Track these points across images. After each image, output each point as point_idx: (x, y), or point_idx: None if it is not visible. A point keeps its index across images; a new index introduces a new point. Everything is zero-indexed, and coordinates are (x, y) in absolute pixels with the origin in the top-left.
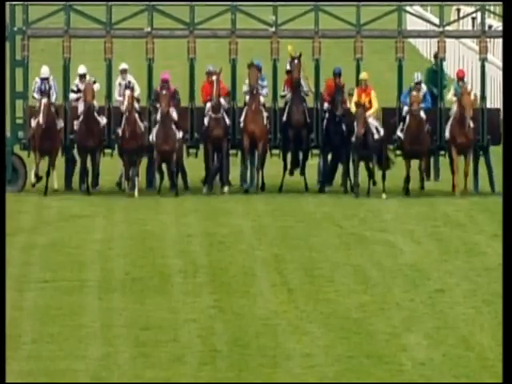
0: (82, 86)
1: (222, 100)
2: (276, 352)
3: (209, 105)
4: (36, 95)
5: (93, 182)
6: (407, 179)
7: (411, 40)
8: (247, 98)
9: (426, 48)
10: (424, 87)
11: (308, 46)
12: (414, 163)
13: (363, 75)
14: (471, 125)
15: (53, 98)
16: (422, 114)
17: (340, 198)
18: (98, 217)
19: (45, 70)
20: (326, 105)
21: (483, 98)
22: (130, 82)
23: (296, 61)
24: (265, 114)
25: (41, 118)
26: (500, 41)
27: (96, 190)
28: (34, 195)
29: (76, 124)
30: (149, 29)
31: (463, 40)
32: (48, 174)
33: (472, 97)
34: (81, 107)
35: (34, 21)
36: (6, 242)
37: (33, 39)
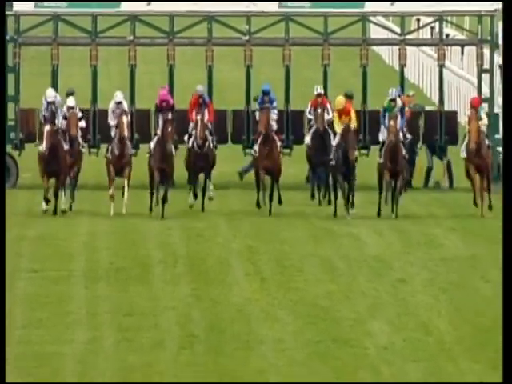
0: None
1: (207, 133)
2: (250, 337)
3: (192, 138)
4: (41, 118)
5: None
6: (382, 200)
7: (374, 47)
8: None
9: (388, 55)
10: (399, 102)
11: (279, 53)
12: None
13: (339, 103)
14: (486, 148)
15: (58, 122)
16: (400, 143)
17: (307, 193)
18: (84, 212)
19: (50, 94)
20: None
21: (441, 101)
22: (124, 111)
23: (319, 110)
24: (278, 144)
25: (44, 145)
26: (456, 48)
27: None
28: (24, 192)
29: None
30: (131, 37)
31: (422, 48)
32: (56, 195)
33: (481, 123)
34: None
35: (25, 30)
36: (5, 235)
37: (24, 47)
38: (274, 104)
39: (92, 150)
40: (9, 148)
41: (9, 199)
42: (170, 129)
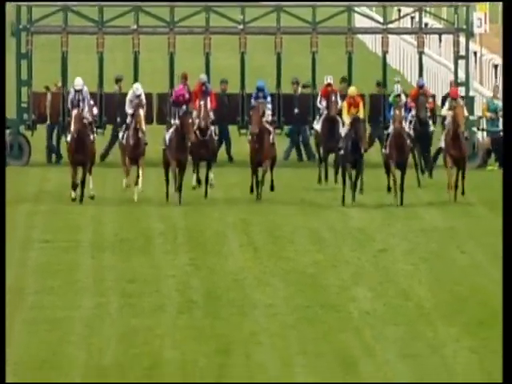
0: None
1: (209, 122)
2: (244, 302)
3: (195, 126)
4: (69, 106)
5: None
6: (389, 189)
7: (359, 36)
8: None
9: (371, 43)
10: (403, 97)
11: (271, 41)
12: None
13: (352, 92)
14: (464, 139)
15: (85, 110)
16: (406, 129)
17: (299, 170)
18: (93, 185)
19: (78, 82)
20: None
21: (349, 83)
22: (141, 101)
23: (333, 97)
24: (271, 137)
25: (72, 128)
26: (434, 36)
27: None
28: (37, 169)
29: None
30: (135, 26)
31: (403, 36)
32: (83, 183)
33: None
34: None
35: (37, 19)
36: (5, 211)
37: (35, 35)
38: (268, 99)
39: (99, 130)
40: (22, 128)
41: (22, 176)
42: (190, 120)
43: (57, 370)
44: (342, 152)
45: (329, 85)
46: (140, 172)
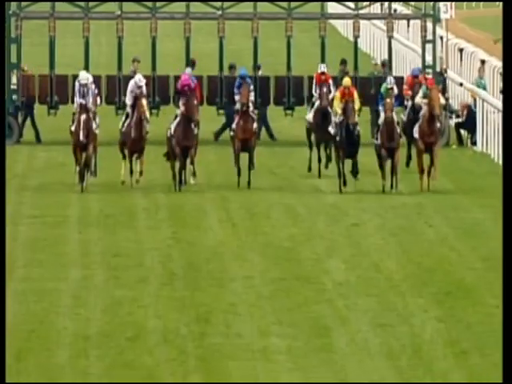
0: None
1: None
2: (222, 275)
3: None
4: (76, 101)
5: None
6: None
7: (332, 21)
8: (237, 106)
9: (343, 28)
10: (396, 89)
11: (248, 26)
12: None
13: (346, 82)
14: (438, 124)
15: (89, 102)
16: (395, 118)
17: (273, 149)
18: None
19: (83, 76)
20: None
21: (390, 68)
22: (141, 92)
23: (325, 89)
24: (254, 123)
25: (81, 136)
26: (403, 21)
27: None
28: (25, 147)
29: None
30: (119, 12)
31: (374, 21)
32: (83, 174)
33: (442, 100)
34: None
35: (26, 5)
36: (5, 186)
37: (24, 20)
38: (251, 88)
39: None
40: (11, 109)
41: (12, 154)
42: (195, 102)
43: (44, 339)
44: (337, 138)
45: (322, 73)
46: (140, 167)
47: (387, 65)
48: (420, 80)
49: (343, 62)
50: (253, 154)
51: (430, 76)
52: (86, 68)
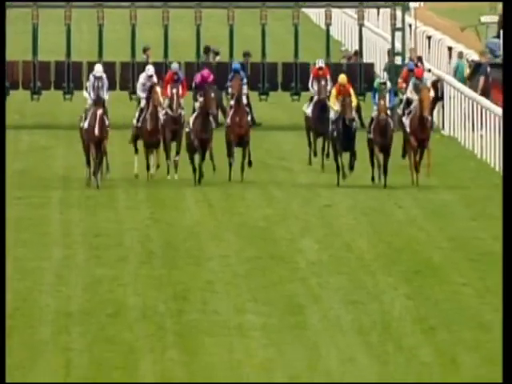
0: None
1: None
2: (199, 254)
3: (169, 112)
4: (91, 94)
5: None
6: (375, 175)
7: (304, 9)
8: (232, 102)
9: (316, 16)
10: (389, 84)
11: (224, 14)
12: None
13: (342, 79)
14: (429, 119)
15: (105, 97)
16: (389, 120)
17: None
18: (61, 147)
19: (98, 68)
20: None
21: (360, 54)
22: (154, 82)
23: (323, 82)
24: (249, 116)
25: (96, 131)
26: (373, 10)
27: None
28: (9, 131)
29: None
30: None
31: (345, 9)
32: (96, 171)
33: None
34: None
35: None
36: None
37: (8, 9)
38: (244, 81)
39: (67, 96)
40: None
41: None
42: (212, 94)
43: (28, 317)
44: (335, 134)
45: (320, 68)
46: (157, 160)
47: (359, 54)
48: (415, 74)
49: (356, 54)
50: (249, 150)
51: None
52: (68, 55)
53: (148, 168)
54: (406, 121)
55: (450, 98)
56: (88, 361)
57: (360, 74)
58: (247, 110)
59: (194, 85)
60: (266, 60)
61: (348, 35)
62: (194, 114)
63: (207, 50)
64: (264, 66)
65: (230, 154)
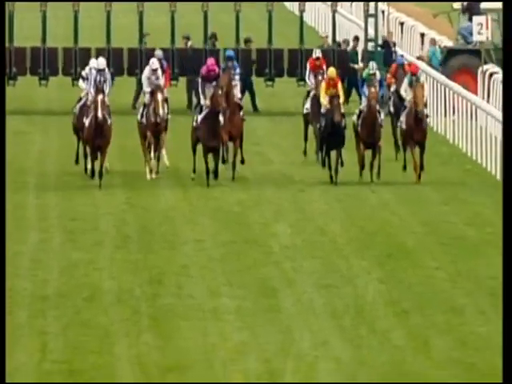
0: (92, 77)
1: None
2: (174, 238)
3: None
4: (92, 88)
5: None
6: (362, 167)
7: None
8: (207, 102)
9: (290, 3)
10: (378, 74)
11: (198, 1)
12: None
13: (331, 73)
14: (425, 119)
15: (106, 91)
16: (378, 107)
17: None
18: (37, 133)
19: (101, 62)
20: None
21: (334, 40)
22: (157, 78)
23: (320, 77)
24: (241, 112)
25: (99, 113)
26: None
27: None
28: None
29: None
30: None
31: None
32: (101, 173)
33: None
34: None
35: None
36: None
37: None
38: (237, 71)
39: (42, 82)
40: None
41: None
42: (219, 92)
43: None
44: (322, 130)
45: (317, 58)
46: (164, 151)
47: (359, 39)
48: (404, 69)
49: (356, 39)
50: (240, 147)
51: (412, 62)
52: (44, 41)
53: (158, 160)
54: (401, 118)
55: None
56: (63, 344)
57: (333, 61)
58: (240, 103)
59: (200, 77)
60: (241, 46)
61: (321, 21)
62: (203, 114)
63: (212, 36)
64: (238, 53)
65: (223, 151)
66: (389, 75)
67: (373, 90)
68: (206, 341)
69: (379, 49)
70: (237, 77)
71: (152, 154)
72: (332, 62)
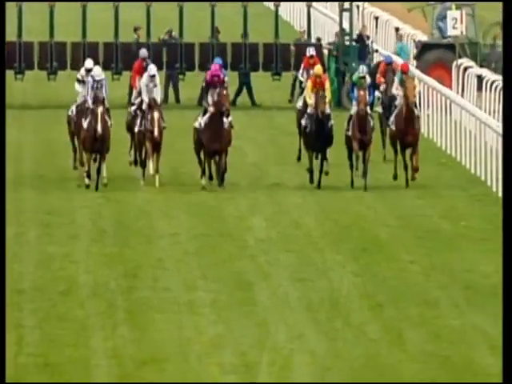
0: (86, 79)
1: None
2: (150, 232)
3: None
4: (90, 98)
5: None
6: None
7: None
8: (211, 109)
9: None
10: (368, 79)
11: None
12: None
13: (318, 70)
14: (418, 119)
15: (106, 98)
16: (368, 110)
17: (195, 112)
18: (13, 127)
19: (98, 72)
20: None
21: (309, 34)
22: (155, 86)
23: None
24: (229, 128)
25: (99, 128)
26: None
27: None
28: None
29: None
30: None
31: None
32: (99, 171)
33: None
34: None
35: None
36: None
37: None
38: (226, 79)
39: (18, 76)
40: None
41: None
42: (224, 92)
43: None
44: (307, 130)
45: (311, 56)
46: (156, 165)
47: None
48: (393, 68)
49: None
50: (225, 161)
51: (401, 61)
52: (20, 35)
53: (156, 171)
54: (391, 118)
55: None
56: (39, 337)
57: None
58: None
59: (203, 83)
60: (216, 41)
61: (296, 16)
62: (206, 116)
63: (215, 30)
64: (213, 47)
65: (208, 163)
66: (378, 75)
67: (362, 93)
68: (182, 334)
69: (354, 43)
70: (224, 84)
71: (151, 166)
72: None
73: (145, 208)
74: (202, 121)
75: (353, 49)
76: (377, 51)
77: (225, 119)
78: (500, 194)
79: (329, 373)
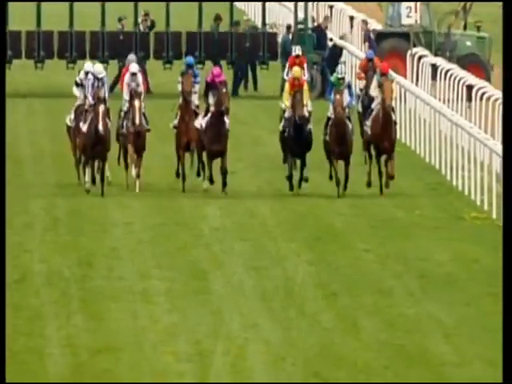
0: (85, 82)
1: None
2: (105, 220)
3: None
4: (90, 96)
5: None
6: (337, 182)
7: None
8: (180, 100)
9: None
10: (347, 80)
11: None
12: None
13: (296, 72)
14: (393, 124)
15: (106, 95)
16: (346, 113)
17: (156, 102)
18: None
19: (100, 69)
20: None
21: (264, 24)
22: (138, 85)
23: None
24: (197, 121)
25: (100, 127)
26: None
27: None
28: None
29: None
30: None
31: None
32: (103, 177)
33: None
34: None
35: None
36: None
37: None
38: (198, 79)
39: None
40: None
41: None
42: (224, 90)
43: None
44: (285, 134)
45: (297, 56)
46: (138, 170)
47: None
48: (374, 66)
49: (326, 18)
50: (197, 154)
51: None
52: (6, 24)
53: (138, 176)
54: (367, 122)
55: (351, 64)
56: None
57: (263, 44)
58: (197, 111)
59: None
60: (170, 29)
61: (251, 5)
62: (207, 117)
63: (216, 18)
64: (168, 36)
65: (178, 157)
66: (358, 70)
67: (338, 97)
68: (136, 323)
69: (309, 32)
70: (196, 85)
71: (133, 170)
72: (261, 46)
73: (99, 197)
74: (202, 122)
75: (308, 38)
76: (331, 40)
77: (226, 119)
78: (454, 182)
79: (283, 362)
